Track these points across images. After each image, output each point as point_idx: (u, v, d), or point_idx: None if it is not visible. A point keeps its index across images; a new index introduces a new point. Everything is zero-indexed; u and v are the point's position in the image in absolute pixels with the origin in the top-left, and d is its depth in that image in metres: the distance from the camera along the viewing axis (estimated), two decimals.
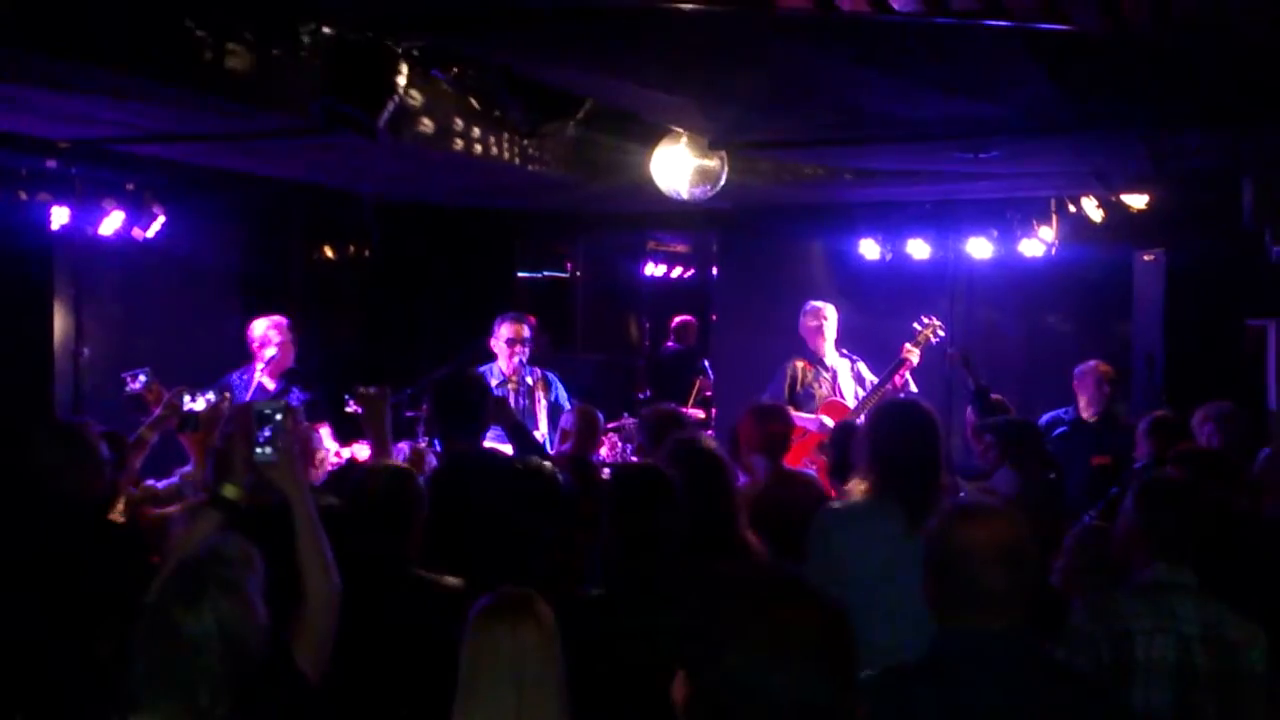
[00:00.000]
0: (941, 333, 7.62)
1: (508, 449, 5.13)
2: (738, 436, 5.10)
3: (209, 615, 2.52)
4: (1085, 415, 6.82)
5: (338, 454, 5.66)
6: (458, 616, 2.93)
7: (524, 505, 4.44)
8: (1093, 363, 6.90)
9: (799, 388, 7.48)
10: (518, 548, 4.23)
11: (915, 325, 7.57)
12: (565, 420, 6.04)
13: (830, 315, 7.61)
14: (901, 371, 7.39)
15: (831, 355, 7.60)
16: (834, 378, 7.56)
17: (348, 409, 5.57)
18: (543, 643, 2.82)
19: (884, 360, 7.64)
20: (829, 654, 1.76)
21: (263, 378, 6.54)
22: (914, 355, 7.39)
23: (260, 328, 6.63)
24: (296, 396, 6.48)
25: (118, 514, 4.65)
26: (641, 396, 9.73)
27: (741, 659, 1.75)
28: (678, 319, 11.72)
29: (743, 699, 1.74)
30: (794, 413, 7.25)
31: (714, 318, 10.73)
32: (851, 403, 7.43)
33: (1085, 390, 6.80)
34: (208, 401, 5.24)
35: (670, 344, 11.76)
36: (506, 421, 5.06)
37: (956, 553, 2.41)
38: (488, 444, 5.08)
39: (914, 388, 7.37)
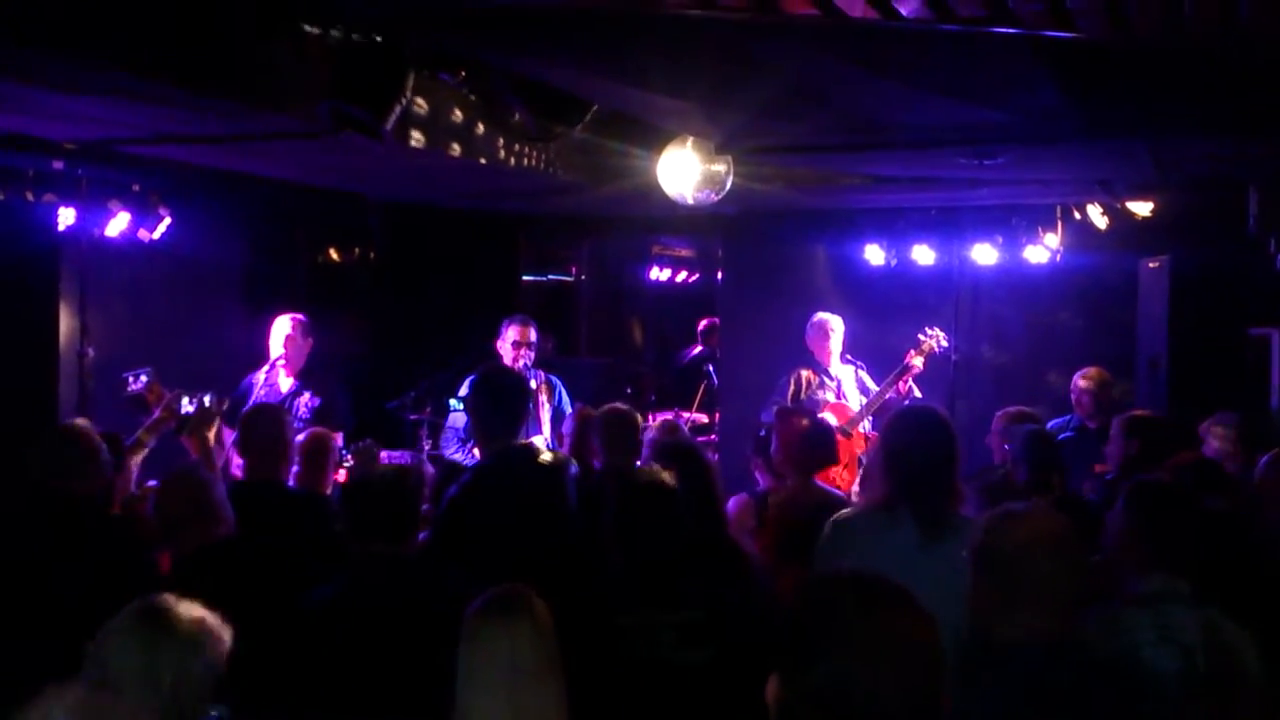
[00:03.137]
0: (945, 343, 7.63)
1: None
2: (778, 441, 5.09)
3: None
4: (1088, 423, 6.80)
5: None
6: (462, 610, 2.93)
7: (565, 502, 4.43)
8: (1087, 370, 6.88)
9: (803, 395, 7.50)
10: (564, 544, 4.22)
11: (920, 335, 7.58)
12: (566, 424, 6.04)
13: (837, 327, 7.64)
14: (905, 379, 7.41)
15: (836, 365, 7.62)
16: (839, 386, 7.59)
17: (346, 463, 5.60)
18: (540, 640, 2.81)
19: (888, 365, 7.66)
20: (926, 653, 1.83)
21: (279, 377, 6.59)
22: (918, 362, 7.42)
23: (277, 325, 6.67)
24: (308, 403, 6.50)
25: (116, 512, 4.67)
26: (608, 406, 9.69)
27: (847, 662, 1.79)
28: (705, 321, 11.59)
29: (849, 702, 1.77)
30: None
31: (717, 322, 10.73)
32: (856, 407, 7.45)
33: (1083, 398, 6.77)
34: (202, 403, 5.28)
35: (699, 347, 11.62)
36: None
37: (1008, 548, 2.44)
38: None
39: (918, 393, 7.38)
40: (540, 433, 6.69)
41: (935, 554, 3.34)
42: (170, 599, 2.65)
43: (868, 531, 3.54)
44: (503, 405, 4.52)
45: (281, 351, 6.57)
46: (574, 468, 4.62)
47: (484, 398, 4.56)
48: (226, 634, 2.67)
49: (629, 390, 9.90)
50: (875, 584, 1.92)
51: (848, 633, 1.81)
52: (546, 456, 4.56)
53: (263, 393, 6.50)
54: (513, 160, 6.05)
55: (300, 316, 6.71)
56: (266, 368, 6.59)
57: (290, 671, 3.44)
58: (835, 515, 3.80)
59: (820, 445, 5.10)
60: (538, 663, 2.79)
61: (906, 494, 3.50)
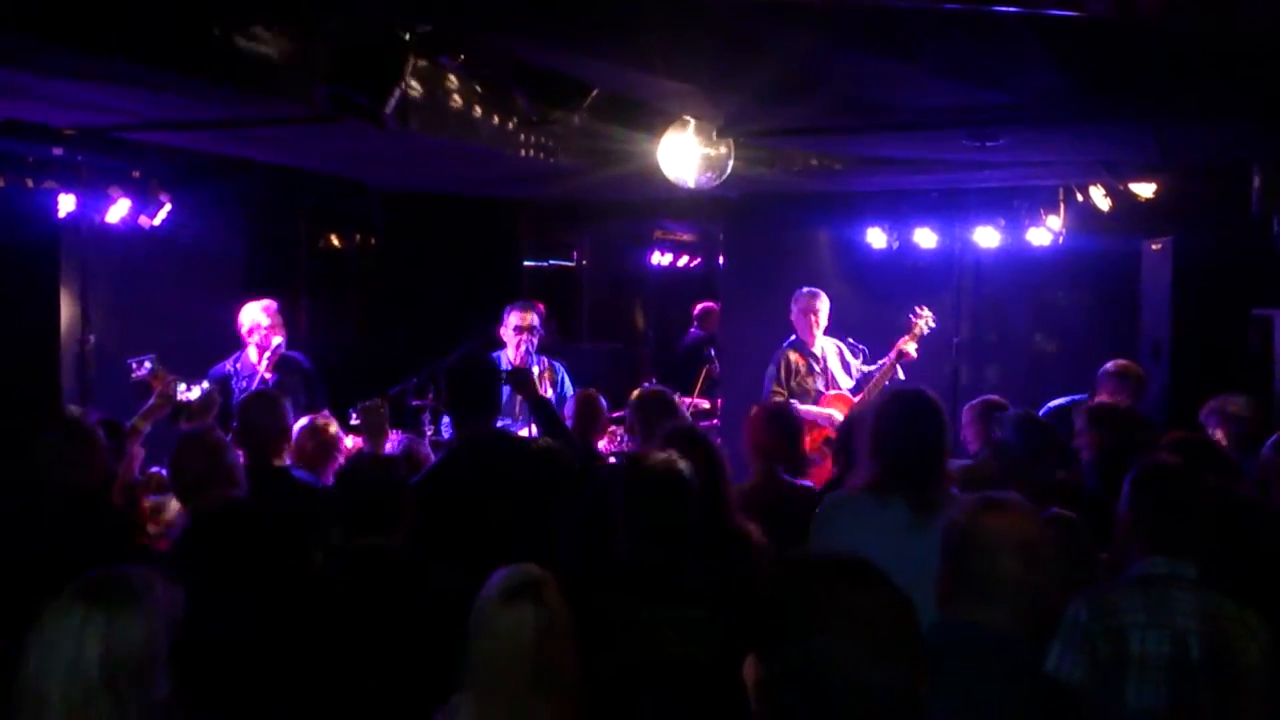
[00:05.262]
0: (933, 324, 7.62)
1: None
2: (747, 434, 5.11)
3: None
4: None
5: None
6: (451, 601, 2.91)
7: (540, 485, 4.45)
8: (1129, 364, 6.66)
9: (793, 381, 7.49)
10: (536, 528, 4.23)
11: (910, 317, 7.56)
12: (567, 407, 6.03)
13: (823, 302, 7.61)
14: (897, 364, 7.42)
15: (819, 341, 7.61)
16: (824, 364, 7.58)
17: (352, 421, 5.60)
18: (555, 624, 2.77)
19: (889, 349, 7.65)
20: (905, 635, 1.83)
21: (258, 365, 6.56)
22: (911, 348, 7.41)
23: (252, 313, 6.63)
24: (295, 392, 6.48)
25: (115, 499, 4.68)
26: (646, 385, 9.69)
27: (825, 642, 1.78)
28: (700, 305, 11.59)
29: (826, 681, 1.77)
30: (802, 407, 7.28)
31: (712, 306, 10.72)
32: (844, 384, 7.49)
33: (1120, 391, 6.41)
34: (202, 390, 5.28)
35: (694, 330, 11.65)
36: (529, 395, 5.10)
37: (974, 539, 2.42)
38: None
39: (901, 375, 7.39)
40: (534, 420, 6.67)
41: (925, 535, 3.31)
42: (110, 574, 2.53)
43: (858, 513, 3.55)
44: (472, 392, 4.59)
45: (257, 339, 6.57)
46: (563, 453, 4.63)
47: (455, 385, 4.65)
48: (170, 605, 2.53)
49: (630, 375, 9.90)
50: (851, 564, 1.92)
51: (825, 613, 1.81)
52: (525, 444, 4.60)
53: (244, 384, 6.48)
54: (513, 145, 6.04)
55: (272, 303, 6.70)
56: (236, 357, 6.61)
57: (281, 659, 3.45)
58: (827, 496, 3.80)
59: (774, 427, 5.09)
60: (554, 648, 2.75)
61: (896, 476, 3.51)
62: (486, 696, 2.74)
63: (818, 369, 7.56)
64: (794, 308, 7.68)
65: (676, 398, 5.71)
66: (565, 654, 2.78)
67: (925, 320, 7.58)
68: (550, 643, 2.76)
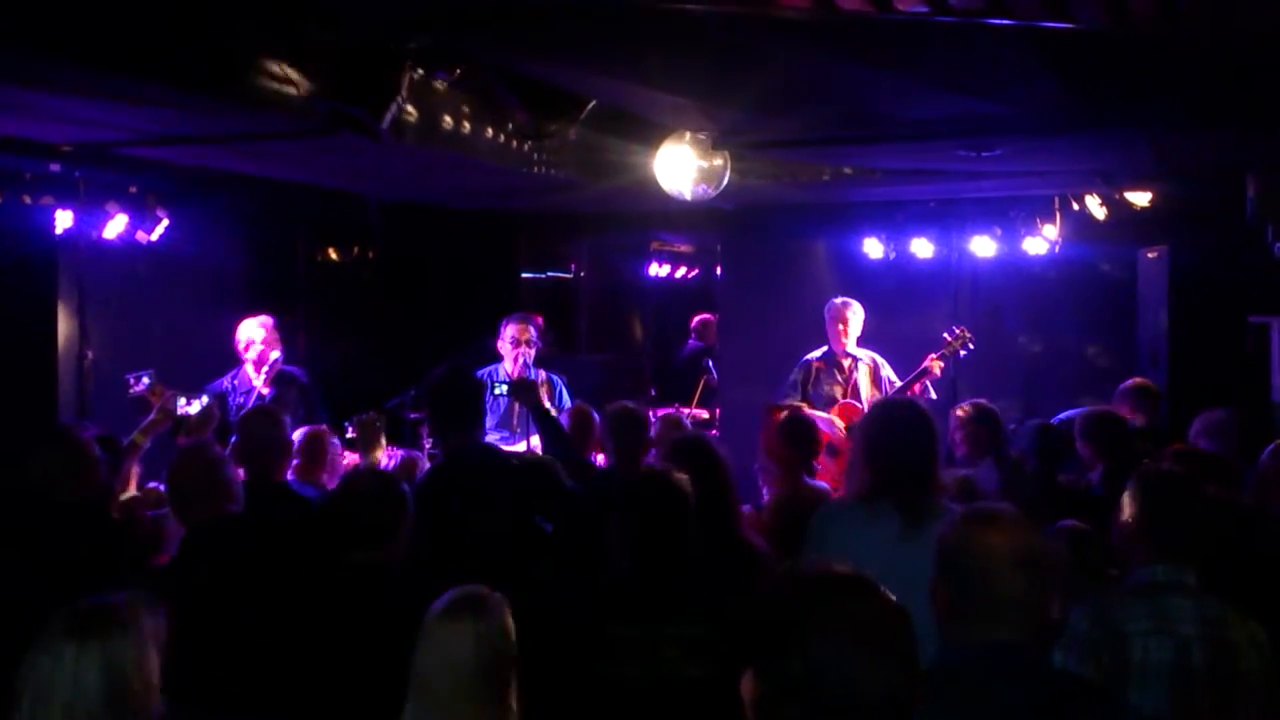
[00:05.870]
0: (971, 345, 7.51)
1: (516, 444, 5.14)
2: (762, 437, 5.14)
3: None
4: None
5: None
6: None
7: (522, 500, 4.44)
8: (1150, 384, 6.61)
9: (811, 387, 7.47)
10: (516, 543, 4.23)
11: (945, 335, 7.48)
12: (560, 420, 6.02)
13: (854, 312, 7.57)
14: (923, 381, 7.35)
15: (850, 351, 7.57)
16: (850, 375, 7.53)
17: (348, 435, 5.61)
18: (496, 641, 2.77)
19: (888, 359, 7.63)
20: (903, 645, 1.82)
21: (254, 382, 6.57)
22: (937, 366, 7.31)
23: (249, 329, 6.65)
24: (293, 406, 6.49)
25: (113, 515, 4.68)
26: (616, 402, 9.68)
27: (823, 654, 1.78)
28: (698, 317, 11.57)
29: (824, 693, 1.77)
30: (808, 411, 7.26)
31: (710, 318, 10.72)
32: (868, 402, 7.43)
33: (1138, 408, 6.35)
34: (202, 405, 5.28)
35: (693, 342, 11.64)
36: (531, 405, 5.09)
37: (972, 558, 2.39)
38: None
39: (933, 394, 7.32)
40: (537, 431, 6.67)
41: (916, 545, 3.31)
42: (94, 605, 2.51)
43: (850, 523, 3.54)
44: (454, 407, 4.58)
45: (255, 355, 6.58)
46: (552, 466, 4.62)
47: (437, 399, 4.64)
48: (156, 628, 2.53)
49: (628, 387, 9.88)
50: (846, 575, 1.91)
51: (822, 625, 1.80)
52: (507, 459, 4.59)
53: (242, 399, 6.49)
54: (510, 158, 6.05)
55: (269, 318, 6.71)
56: (233, 373, 6.64)
57: (276, 669, 3.44)
58: (819, 508, 3.80)
59: (793, 437, 5.11)
60: (495, 664, 2.75)
61: (887, 486, 3.50)
62: (426, 709, 2.74)
63: (840, 378, 7.51)
64: (826, 317, 7.65)
65: (676, 411, 5.71)
66: (508, 671, 2.77)
67: (962, 341, 7.40)
68: (491, 659, 2.75)
